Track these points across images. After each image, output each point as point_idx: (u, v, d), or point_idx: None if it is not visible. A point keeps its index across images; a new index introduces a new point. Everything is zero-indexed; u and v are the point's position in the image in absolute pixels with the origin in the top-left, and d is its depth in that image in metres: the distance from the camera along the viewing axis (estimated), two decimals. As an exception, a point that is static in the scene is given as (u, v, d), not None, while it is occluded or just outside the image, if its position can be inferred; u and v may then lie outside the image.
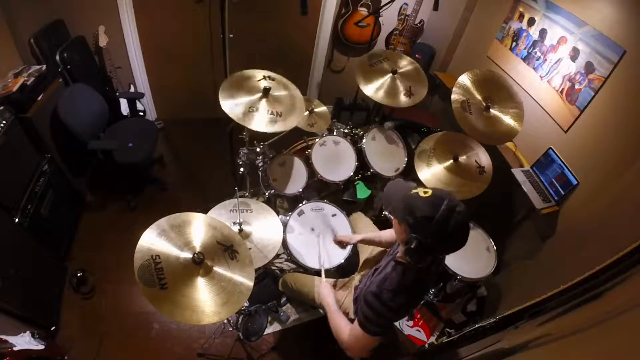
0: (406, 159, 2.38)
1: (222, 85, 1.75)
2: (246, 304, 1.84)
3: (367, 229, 1.93)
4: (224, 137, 2.24)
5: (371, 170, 2.31)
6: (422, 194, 1.06)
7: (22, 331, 1.60)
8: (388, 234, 1.60)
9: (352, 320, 1.31)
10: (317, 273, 1.85)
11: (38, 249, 1.91)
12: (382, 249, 1.76)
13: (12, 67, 2.04)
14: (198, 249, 1.23)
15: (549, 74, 2.26)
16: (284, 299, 2.20)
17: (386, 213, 2.23)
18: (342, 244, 1.76)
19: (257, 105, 1.73)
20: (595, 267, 1.11)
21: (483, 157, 2.08)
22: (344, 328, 1.29)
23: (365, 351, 1.24)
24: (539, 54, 2.34)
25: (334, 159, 2.31)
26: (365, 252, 1.83)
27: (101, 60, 2.73)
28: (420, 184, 2.08)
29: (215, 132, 2.47)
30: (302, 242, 1.91)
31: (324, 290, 1.51)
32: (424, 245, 1.04)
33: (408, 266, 1.16)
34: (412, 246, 1.04)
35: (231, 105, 1.69)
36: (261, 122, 1.69)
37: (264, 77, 1.85)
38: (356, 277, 1.72)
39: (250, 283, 1.27)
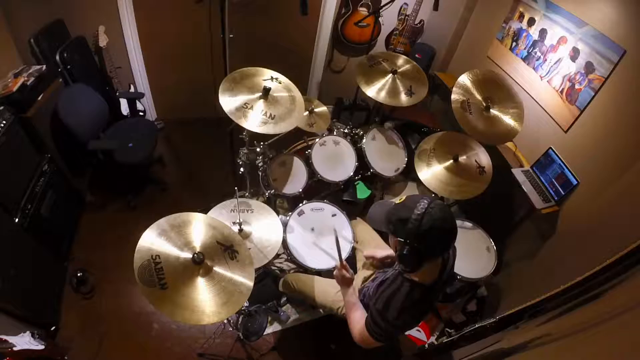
0: (406, 159, 2.38)
1: (225, 78, 1.74)
2: (246, 304, 1.84)
3: (367, 234, 1.93)
4: (224, 137, 2.24)
5: (371, 170, 2.31)
6: (397, 202, 1.15)
7: (22, 331, 1.60)
8: None
9: None
10: (318, 273, 1.84)
11: (38, 249, 1.91)
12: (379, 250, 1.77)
13: (12, 67, 2.04)
14: (198, 249, 1.23)
15: (549, 74, 2.26)
16: (284, 299, 2.20)
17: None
18: (373, 259, 1.67)
19: (252, 104, 1.73)
20: (595, 267, 1.11)
21: (483, 157, 2.08)
22: (357, 323, 1.30)
23: (372, 347, 1.26)
24: (539, 54, 2.33)
25: (334, 159, 2.30)
26: (363, 252, 1.82)
27: (101, 60, 2.73)
28: (420, 184, 2.09)
29: (216, 132, 2.47)
30: (302, 242, 1.91)
31: (346, 277, 1.44)
32: (411, 248, 1.05)
33: (414, 283, 1.16)
34: (403, 252, 1.07)
35: (228, 99, 1.69)
36: (253, 121, 1.68)
37: (271, 78, 1.85)
38: (357, 278, 1.72)
39: (250, 283, 1.27)
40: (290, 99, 1.84)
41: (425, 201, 1.06)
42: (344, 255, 1.81)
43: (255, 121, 1.68)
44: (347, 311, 1.39)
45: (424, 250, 1.07)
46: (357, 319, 1.32)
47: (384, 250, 1.65)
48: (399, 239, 1.09)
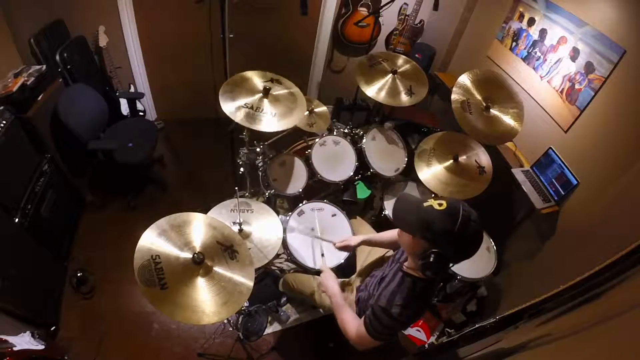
0: (406, 159, 2.37)
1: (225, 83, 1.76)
2: (246, 304, 1.84)
3: (366, 232, 1.93)
4: (224, 137, 2.24)
5: (371, 170, 2.31)
6: (437, 207, 1.03)
7: (22, 331, 1.60)
8: (389, 235, 1.57)
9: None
10: (318, 273, 1.84)
11: (38, 249, 1.91)
12: (380, 249, 1.77)
13: (12, 67, 2.03)
14: (198, 249, 1.23)
15: (549, 74, 2.26)
16: (284, 299, 2.20)
17: (387, 213, 2.23)
18: (346, 248, 1.67)
19: (255, 104, 1.74)
20: (595, 267, 1.11)
21: (483, 157, 2.08)
22: (351, 324, 1.28)
23: (371, 347, 1.24)
24: (539, 54, 2.33)
25: (334, 159, 2.30)
26: (364, 252, 1.82)
27: (101, 60, 2.73)
28: (420, 184, 2.08)
29: (215, 132, 2.48)
30: (302, 242, 1.91)
31: (329, 280, 1.45)
32: (444, 258, 1.03)
33: (416, 278, 1.16)
34: (432, 260, 1.03)
35: (230, 106, 1.70)
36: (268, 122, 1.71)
37: (271, 80, 1.86)
38: (356, 278, 1.72)
39: (250, 283, 1.26)
40: (290, 96, 1.85)
41: (465, 210, 1.01)
42: (340, 260, 1.82)
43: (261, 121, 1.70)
44: (337, 313, 1.35)
45: (453, 259, 1.07)
46: (350, 319, 1.31)
47: (356, 238, 1.63)
48: (434, 249, 1.03)
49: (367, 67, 2.30)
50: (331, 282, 1.44)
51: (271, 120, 1.72)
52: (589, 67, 1.98)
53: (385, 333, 1.19)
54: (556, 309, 1.22)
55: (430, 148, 2.11)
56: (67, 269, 2.18)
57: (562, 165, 2.07)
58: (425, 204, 1.07)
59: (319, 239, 1.80)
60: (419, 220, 1.06)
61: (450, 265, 1.12)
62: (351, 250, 1.69)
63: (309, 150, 2.27)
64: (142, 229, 1.21)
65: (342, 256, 1.84)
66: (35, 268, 1.88)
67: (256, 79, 1.87)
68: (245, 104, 1.72)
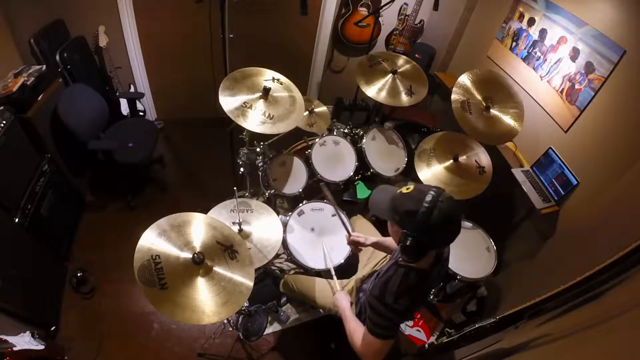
0: (406, 159, 2.38)
1: (226, 78, 1.74)
2: (246, 304, 1.84)
3: (367, 231, 1.92)
4: (224, 137, 2.24)
5: (371, 170, 2.31)
6: (404, 191, 1.10)
7: (22, 331, 1.60)
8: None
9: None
10: (318, 273, 1.85)
11: (38, 249, 1.91)
12: (382, 251, 1.77)
13: (12, 67, 2.03)
14: (198, 249, 1.23)
15: (549, 74, 2.26)
16: (284, 299, 2.20)
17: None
18: (356, 244, 1.64)
19: (252, 104, 1.72)
20: (595, 267, 1.11)
21: (483, 157, 2.08)
22: (358, 332, 1.29)
23: (379, 356, 1.21)
24: (539, 54, 2.33)
25: (334, 159, 2.31)
26: (366, 254, 1.82)
27: (101, 60, 2.73)
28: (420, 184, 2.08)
29: (215, 132, 2.47)
30: (302, 242, 1.91)
31: (342, 299, 1.49)
32: (415, 240, 1.04)
33: (410, 268, 1.16)
34: (407, 243, 1.05)
35: (228, 98, 1.69)
36: (253, 121, 1.69)
37: (272, 79, 1.84)
38: (357, 279, 1.72)
39: (250, 283, 1.27)
40: (290, 99, 1.84)
41: (434, 193, 1.03)
42: (340, 260, 1.82)
43: (254, 121, 1.68)
44: (346, 326, 1.37)
45: (429, 243, 1.07)
46: (357, 328, 1.31)
47: (370, 238, 1.62)
48: (404, 230, 1.06)
49: (367, 67, 2.30)
50: (344, 302, 1.47)
51: (259, 121, 1.68)
52: (589, 67, 1.98)
53: (384, 326, 1.16)
54: (556, 309, 1.22)
55: (430, 148, 2.11)
56: (67, 269, 2.18)
57: (562, 165, 2.07)
58: (397, 191, 1.14)
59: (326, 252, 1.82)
60: (390, 205, 1.12)
61: (430, 248, 1.11)
62: (359, 250, 1.68)
63: (309, 150, 2.27)
64: (142, 229, 1.21)
65: (342, 256, 1.84)
66: (35, 268, 1.87)
67: (261, 76, 1.84)
68: (244, 103, 1.71)
